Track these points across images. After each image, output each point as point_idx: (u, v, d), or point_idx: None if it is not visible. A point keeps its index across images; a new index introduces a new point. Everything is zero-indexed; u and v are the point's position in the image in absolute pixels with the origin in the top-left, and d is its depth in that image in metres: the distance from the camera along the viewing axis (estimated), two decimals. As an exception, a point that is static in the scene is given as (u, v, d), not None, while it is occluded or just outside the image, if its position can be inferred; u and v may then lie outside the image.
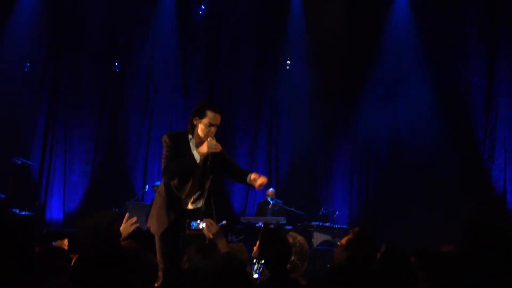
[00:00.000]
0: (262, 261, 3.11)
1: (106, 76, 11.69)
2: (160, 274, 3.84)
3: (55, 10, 11.44)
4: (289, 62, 11.46)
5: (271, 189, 10.46)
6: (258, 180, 4.04)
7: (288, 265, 3.33)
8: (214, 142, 4.01)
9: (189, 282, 2.47)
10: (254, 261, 3.13)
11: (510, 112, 10.34)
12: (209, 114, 4.05)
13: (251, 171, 4.18)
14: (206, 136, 4.05)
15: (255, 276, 3.10)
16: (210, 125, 4.05)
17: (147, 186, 10.41)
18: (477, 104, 10.58)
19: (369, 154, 11.35)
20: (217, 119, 4.08)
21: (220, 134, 11.63)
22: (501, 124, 10.37)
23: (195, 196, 4.16)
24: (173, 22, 11.86)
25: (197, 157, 4.01)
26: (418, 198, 10.26)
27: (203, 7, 11.79)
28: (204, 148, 4.02)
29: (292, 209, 9.89)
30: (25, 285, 2.25)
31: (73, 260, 3.42)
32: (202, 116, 4.07)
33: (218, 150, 4.03)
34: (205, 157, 4.12)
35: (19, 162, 9.94)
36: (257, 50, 11.85)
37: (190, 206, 4.16)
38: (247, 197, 11.54)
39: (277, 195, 10.46)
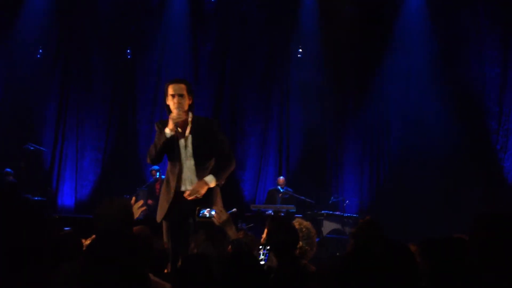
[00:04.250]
0: (268, 247, 3.13)
1: (117, 63, 11.71)
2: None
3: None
4: (300, 50, 11.41)
5: (281, 178, 10.49)
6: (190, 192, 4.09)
7: (297, 251, 3.36)
8: (175, 112, 4.09)
9: (200, 268, 2.50)
10: (260, 246, 3.16)
11: (524, 102, 10.26)
12: (168, 87, 4.18)
13: (214, 173, 4.16)
14: (174, 108, 4.13)
15: (262, 262, 3.13)
16: (172, 96, 4.14)
17: (157, 173, 10.46)
18: (491, 94, 10.49)
19: (380, 143, 11.31)
20: (176, 88, 4.16)
21: (231, 122, 11.70)
22: (514, 114, 10.29)
23: (191, 177, 4.19)
24: (184, 10, 11.83)
25: (167, 131, 4.10)
26: (429, 187, 10.23)
27: (214, -5, 11.76)
28: (170, 122, 4.11)
29: (302, 197, 9.92)
30: (37, 270, 2.29)
31: (84, 246, 3.46)
32: (166, 93, 4.21)
33: (180, 118, 4.09)
34: (192, 137, 4.16)
35: (32, 148, 10.04)
36: (268, 38, 11.80)
37: (187, 187, 4.17)
38: (257, 185, 11.57)
39: (287, 183, 10.49)
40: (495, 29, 10.49)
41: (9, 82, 11.21)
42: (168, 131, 4.09)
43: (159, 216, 4.20)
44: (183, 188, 4.17)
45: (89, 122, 11.61)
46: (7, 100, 11.17)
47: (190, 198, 4.04)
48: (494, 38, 10.49)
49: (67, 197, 11.38)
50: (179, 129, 4.14)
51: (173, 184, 4.16)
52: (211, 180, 4.12)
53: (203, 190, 4.07)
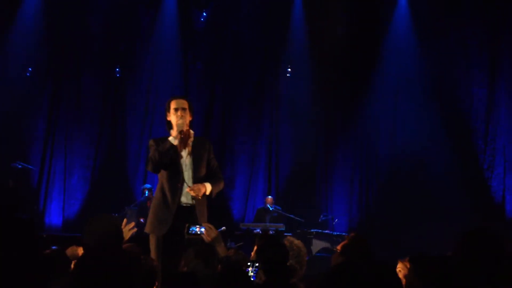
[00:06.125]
0: (257, 264, 3.13)
1: (107, 81, 11.70)
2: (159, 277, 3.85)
3: (57, 15, 11.47)
4: (289, 69, 11.50)
5: (269, 197, 10.48)
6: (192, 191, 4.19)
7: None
8: (181, 121, 4.28)
9: (189, 285, 2.49)
10: (249, 263, 3.16)
11: (510, 122, 10.38)
12: (172, 102, 4.43)
13: (210, 182, 4.30)
14: (178, 120, 4.32)
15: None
16: (176, 109, 4.36)
17: (146, 192, 10.40)
18: (478, 113, 10.61)
19: (369, 162, 11.37)
20: (180, 103, 4.41)
21: (221, 140, 11.70)
22: (501, 134, 10.40)
23: (185, 190, 4.25)
24: (174, 28, 11.89)
25: (171, 139, 4.27)
26: (418, 206, 10.26)
27: (204, 14, 11.82)
28: (174, 130, 4.30)
29: (292, 215, 9.91)
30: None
31: (73, 263, 3.44)
32: (168, 108, 4.43)
33: (184, 126, 4.27)
34: (193, 151, 4.31)
35: (20, 167, 9.96)
36: (258, 57, 11.88)
37: (183, 200, 4.27)
38: (246, 204, 11.54)
39: (276, 201, 10.49)
40: (482, 49, 10.65)
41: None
42: (172, 138, 4.26)
43: (161, 230, 4.17)
44: (183, 200, 4.26)
45: (78, 140, 11.54)
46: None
47: (193, 193, 4.14)
48: (482, 57, 10.66)
49: (54, 216, 11.26)
50: (182, 137, 4.26)
51: (173, 196, 4.22)
52: (208, 186, 4.27)
53: (203, 191, 4.19)
